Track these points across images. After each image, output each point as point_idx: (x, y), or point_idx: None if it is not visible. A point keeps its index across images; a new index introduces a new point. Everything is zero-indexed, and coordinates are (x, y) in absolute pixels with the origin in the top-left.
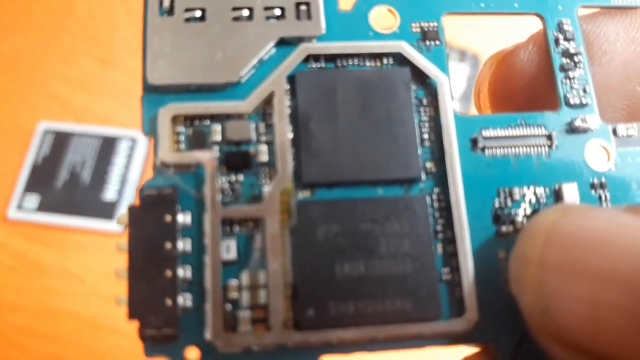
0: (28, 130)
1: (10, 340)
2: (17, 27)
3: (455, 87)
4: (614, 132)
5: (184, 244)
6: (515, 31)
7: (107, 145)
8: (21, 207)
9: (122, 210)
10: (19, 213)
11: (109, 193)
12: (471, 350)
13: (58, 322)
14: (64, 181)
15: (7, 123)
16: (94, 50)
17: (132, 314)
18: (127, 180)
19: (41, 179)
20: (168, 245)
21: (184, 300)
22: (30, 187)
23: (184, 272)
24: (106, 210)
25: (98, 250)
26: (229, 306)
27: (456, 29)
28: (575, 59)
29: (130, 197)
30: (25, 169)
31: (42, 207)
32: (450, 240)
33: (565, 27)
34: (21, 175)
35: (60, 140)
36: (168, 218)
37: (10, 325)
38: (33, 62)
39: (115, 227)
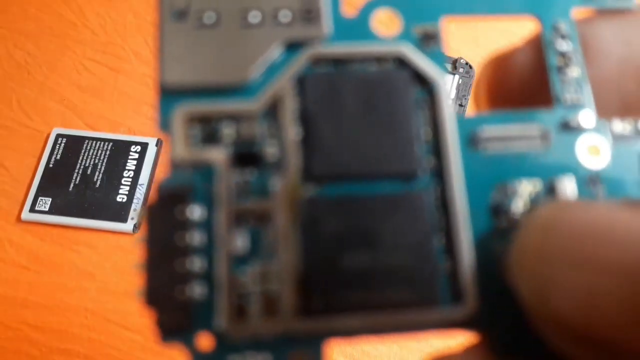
0: (41, 135)
1: (23, 335)
2: (29, 35)
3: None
4: (609, 128)
5: (198, 237)
6: (508, 39)
7: (118, 150)
8: (34, 210)
9: (133, 212)
10: (32, 215)
11: (120, 196)
12: (470, 336)
13: (69, 318)
14: (75, 184)
15: (21, 129)
16: (105, 58)
17: (149, 302)
18: (137, 183)
19: (54, 182)
20: (183, 238)
21: (198, 290)
22: (43, 190)
23: (198, 263)
24: (117, 212)
25: (108, 248)
26: (239, 295)
27: (450, 39)
28: (570, 58)
29: (140, 200)
30: (38, 173)
31: (55, 210)
32: (449, 233)
33: (561, 28)
34: (35, 179)
35: (73, 145)
36: (183, 213)
37: (23, 321)
38: (45, 70)
39: (126, 228)
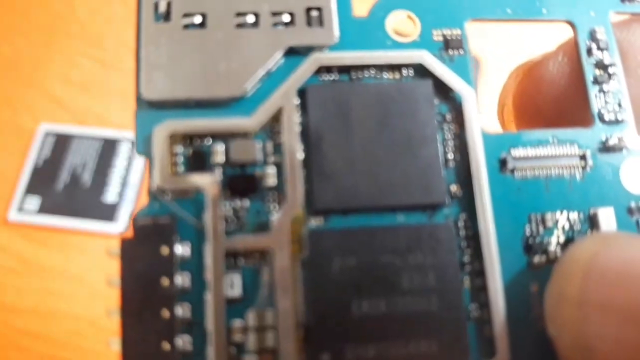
0: (29, 132)
1: (11, 341)
2: (17, 29)
3: None
4: None
5: (182, 280)
6: (519, 35)
7: (108, 148)
8: (22, 209)
9: (124, 213)
10: (19, 215)
11: (110, 195)
12: None
13: (58, 324)
14: (64, 183)
15: (7, 125)
16: (94, 52)
17: (127, 359)
18: (127, 183)
19: (42, 181)
20: (165, 281)
21: (183, 343)
22: (31, 189)
23: (183, 311)
24: (107, 213)
25: (99, 252)
26: (233, 349)
27: None
28: (610, 70)
29: (130, 200)
30: (26, 171)
31: (43, 209)
32: (478, 273)
33: (599, 36)
34: (22, 177)
35: (61, 142)
36: (165, 250)
37: (11, 327)
38: (33, 64)
39: (116, 229)
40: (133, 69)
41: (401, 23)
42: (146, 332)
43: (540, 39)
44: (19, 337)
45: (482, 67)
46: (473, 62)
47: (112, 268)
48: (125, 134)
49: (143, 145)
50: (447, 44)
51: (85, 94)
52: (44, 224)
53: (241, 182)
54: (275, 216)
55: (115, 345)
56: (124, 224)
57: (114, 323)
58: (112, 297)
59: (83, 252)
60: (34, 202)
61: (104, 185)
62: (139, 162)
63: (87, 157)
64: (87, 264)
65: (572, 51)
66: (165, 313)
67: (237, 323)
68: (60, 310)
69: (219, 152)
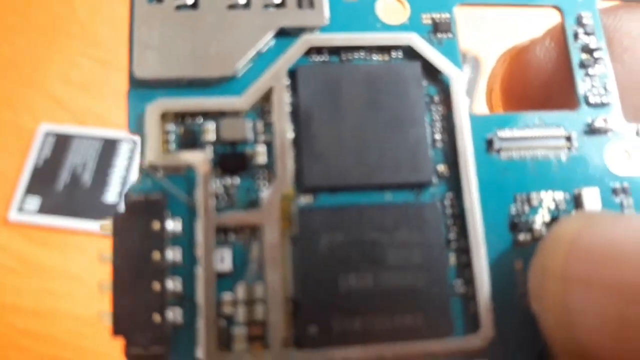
0: (29, 132)
1: (11, 341)
2: (17, 29)
3: None
4: (638, 133)
5: (173, 254)
6: (518, 32)
7: (108, 148)
8: (22, 209)
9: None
10: (20, 215)
11: (110, 195)
12: None
13: (58, 324)
14: (64, 183)
15: (7, 125)
16: (94, 52)
17: (117, 330)
18: (128, 183)
19: (42, 181)
20: (156, 255)
21: (174, 315)
22: (31, 189)
23: (174, 284)
24: (107, 212)
25: (98, 252)
26: (223, 322)
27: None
28: (596, 54)
29: None
30: (26, 171)
31: (43, 209)
32: (464, 250)
33: (585, 21)
34: (22, 177)
35: (61, 143)
36: (156, 225)
37: (11, 327)
38: (33, 64)
39: None
40: None
41: (391, 6)
42: (137, 304)
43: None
44: (19, 337)
45: (482, 67)
46: (473, 62)
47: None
48: (125, 134)
49: (135, 123)
50: (436, 27)
51: (85, 94)
52: (44, 224)
53: (232, 160)
54: (265, 193)
55: (106, 319)
56: None
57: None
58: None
59: (83, 252)
60: (34, 202)
61: (104, 185)
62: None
63: (87, 157)
64: (87, 264)
65: (559, 36)
66: (157, 286)
67: (227, 296)
68: (60, 310)
69: (210, 130)
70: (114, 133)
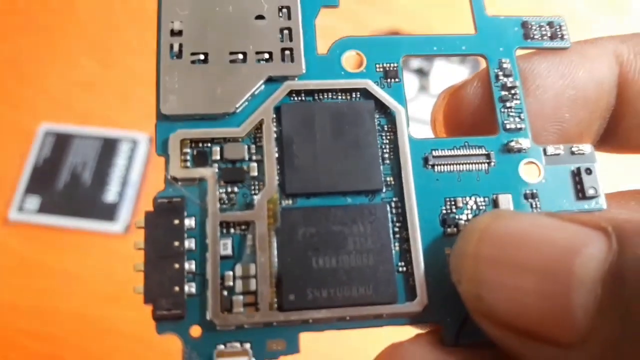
0: (29, 131)
1: (11, 341)
2: (18, 29)
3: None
4: (544, 151)
5: (189, 243)
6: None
7: (108, 147)
8: (22, 209)
9: (124, 212)
10: (20, 215)
11: (110, 194)
12: (422, 329)
13: (58, 323)
14: (64, 183)
15: (7, 125)
16: (95, 52)
17: (148, 298)
18: (127, 182)
19: (42, 180)
20: (177, 243)
21: (189, 287)
22: (31, 189)
23: (189, 265)
24: (107, 212)
25: (99, 252)
26: (225, 292)
27: (458, 30)
28: (512, 91)
29: (131, 199)
30: (26, 171)
31: (43, 209)
32: (405, 240)
33: (505, 65)
34: (22, 177)
35: (61, 142)
36: (177, 222)
37: (11, 326)
38: (34, 64)
39: (116, 229)
40: (133, 68)
41: (352, 58)
42: (162, 280)
43: None
44: (18, 336)
45: (481, 66)
46: (473, 62)
47: (112, 268)
48: (125, 134)
49: (161, 147)
50: (386, 74)
51: (85, 94)
52: (44, 223)
53: (232, 173)
54: (257, 198)
55: (139, 289)
56: (124, 223)
57: (114, 323)
58: (111, 297)
59: (83, 252)
60: (34, 201)
61: (104, 184)
62: (139, 161)
63: (87, 156)
64: (87, 263)
65: (485, 77)
66: (177, 266)
67: (228, 273)
68: (60, 310)
69: (216, 152)
70: (114, 133)
